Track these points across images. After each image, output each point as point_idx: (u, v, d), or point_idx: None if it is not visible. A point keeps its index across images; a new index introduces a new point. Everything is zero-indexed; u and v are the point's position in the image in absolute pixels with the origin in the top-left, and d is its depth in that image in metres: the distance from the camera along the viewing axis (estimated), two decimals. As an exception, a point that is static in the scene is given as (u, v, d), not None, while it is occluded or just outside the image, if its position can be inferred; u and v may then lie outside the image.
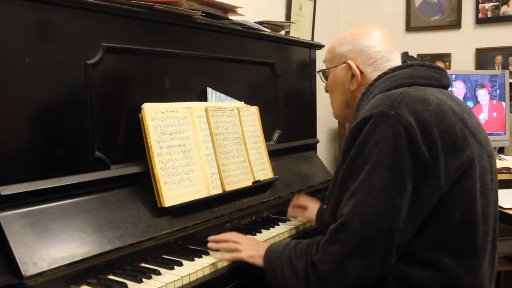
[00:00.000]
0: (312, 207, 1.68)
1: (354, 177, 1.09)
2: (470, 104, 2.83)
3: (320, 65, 2.24)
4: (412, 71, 1.20)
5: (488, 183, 1.12)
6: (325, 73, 1.43)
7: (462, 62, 3.39)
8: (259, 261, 1.27)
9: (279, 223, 1.67)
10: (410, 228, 1.05)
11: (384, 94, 1.14)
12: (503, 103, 2.83)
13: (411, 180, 1.03)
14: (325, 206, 1.65)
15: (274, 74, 2.10)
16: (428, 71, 1.20)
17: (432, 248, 1.07)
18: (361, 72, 1.28)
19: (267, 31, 2.03)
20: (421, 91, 1.12)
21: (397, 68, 1.23)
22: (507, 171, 2.43)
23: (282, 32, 2.23)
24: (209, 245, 1.34)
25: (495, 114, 2.84)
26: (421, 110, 1.06)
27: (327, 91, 1.44)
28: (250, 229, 1.56)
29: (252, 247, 1.32)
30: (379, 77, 1.23)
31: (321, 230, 1.60)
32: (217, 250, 1.34)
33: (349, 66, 1.29)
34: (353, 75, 1.29)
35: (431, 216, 1.06)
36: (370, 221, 1.03)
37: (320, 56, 2.41)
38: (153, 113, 1.43)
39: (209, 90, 1.73)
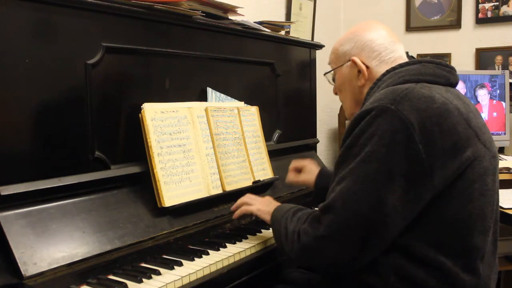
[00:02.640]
0: (309, 169, 1.69)
1: (345, 165, 1.11)
2: (470, 104, 2.83)
3: (320, 65, 2.24)
4: (420, 68, 1.19)
5: (488, 184, 1.12)
6: (331, 75, 1.43)
7: (462, 62, 3.39)
8: (265, 216, 1.38)
9: (279, 223, 1.67)
10: (399, 223, 1.06)
11: (389, 88, 1.14)
12: (503, 103, 2.83)
13: (402, 176, 1.03)
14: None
15: (274, 74, 2.09)
16: (437, 68, 1.20)
17: (428, 246, 1.07)
18: (367, 67, 1.28)
19: (267, 31, 2.03)
20: (428, 89, 1.12)
21: (406, 63, 1.23)
22: (507, 171, 2.42)
23: (282, 32, 2.23)
24: (234, 216, 1.48)
25: (495, 114, 2.84)
26: (424, 108, 1.06)
27: (336, 93, 1.44)
28: (250, 228, 1.56)
29: (263, 202, 1.44)
30: (387, 72, 1.23)
31: (316, 195, 1.62)
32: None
33: (354, 62, 1.29)
34: (359, 71, 1.29)
35: (425, 214, 1.06)
36: (351, 207, 1.06)
37: (320, 56, 2.41)
38: (153, 113, 1.43)
39: (209, 90, 1.73)
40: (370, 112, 1.08)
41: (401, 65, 1.23)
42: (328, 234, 1.09)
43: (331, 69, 1.41)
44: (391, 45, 1.29)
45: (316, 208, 1.22)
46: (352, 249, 1.08)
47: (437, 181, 1.04)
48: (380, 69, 1.26)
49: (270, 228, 1.58)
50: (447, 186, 1.06)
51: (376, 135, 1.06)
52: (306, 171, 1.69)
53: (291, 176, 1.71)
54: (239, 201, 1.49)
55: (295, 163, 1.73)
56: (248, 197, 1.49)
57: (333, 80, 1.42)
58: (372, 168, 1.05)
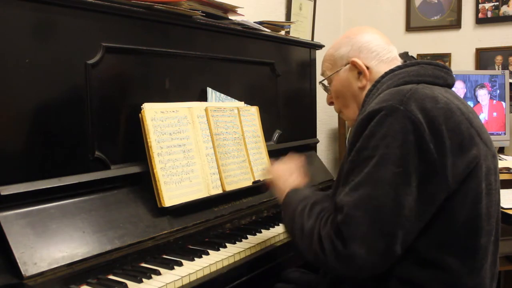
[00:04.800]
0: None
1: (359, 169, 1.07)
2: (470, 104, 2.83)
3: (319, 65, 2.24)
4: (419, 69, 1.19)
5: (492, 183, 1.12)
6: (326, 85, 1.41)
7: (462, 62, 3.39)
8: (278, 195, 1.33)
9: (279, 223, 1.67)
10: (416, 225, 1.04)
11: (393, 89, 1.13)
12: (503, 103, 2.83)
13: (416, 177, 1.03)
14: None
15: (274, 74, 2.09)
16: (435, 69, 1.20)
17: (437, 247, 1.06)
18: (367, 67, 1.28)
19: (267, 31, 2.03)
20: (429, 89, 1.12)
21: (404, 65, 1.23)
22: (507, 171, 2.43)
23: (282, 32, 2.23)
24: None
25: (495, 114, 2.84)
26: (430, 108, 1.06)
27: (330, 104, 1.41)
28: (250, 229, 1.56)
29: (281, 176, 1.36)
30: (386, 73, 1.22)
31: None
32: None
33: (354, 64, 1.28)
34: (359, 73, 1.29)
35: (437, 215, 1.06)
36: (374, 215, 1.02)
37: (320, 56, 2.41)
38: (153, 113, 1.43)
39: (209, 90, 1.73)
40: (379, 112, 1.06)
41: (399, 67, 1.22)
42: (354, 250, 1.03)
43: (325, 77, 1.38)
44: (387, 45, 1.29)
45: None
46: (375, 259, 1.04)
47: (450, 180, 1.03)
48: (380, 69, 1.26)
49: (271, 230, 1.59)
50: (459, 185, 1.05)
51: (388, 135, 1.04)
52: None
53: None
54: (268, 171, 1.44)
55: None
56: (273, 168, 1.41)
57: (327, 89, 1.40)
58: (389, 170, 1.02)
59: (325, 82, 1.40)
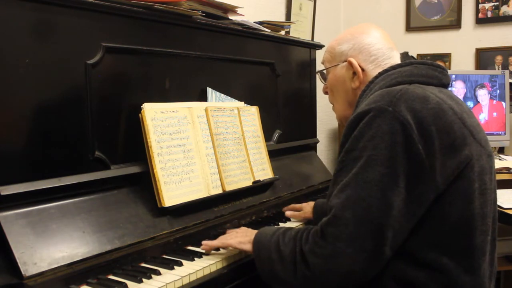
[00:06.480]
0: (307, 206, 1.73)
1: (347, 170, 1.09)
2: (470, 104, 2.83)
3: (319, 65, 2.24)
4: (413, 69, 1.20)
5: (487, 183, 1.12)
6: (323, 74, 1.43)
7: (462, 62, 3.40)
8: (248, 247, 1.27)
9: (279, 223, 1.67)
10: (405, 226, 1.05)
11: (384, 90, 1.14)
12: (503, 103, 2.83)
13: (405, 177, 1.03)
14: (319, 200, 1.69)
15: (274, 74, 2.09)
16: (429, 69, 1.20)
17: (431, 248, 1.07)
18: (363, 70, 1.28)
19: (267, 31, 2.03)
20: (421, 89, 1.12)
21: (398, 65, 1.23)
22: (507, 171, 2.43)
23: (282, 32, 2.23)
24: (202, 247, 1.35)
25: (495, 114, 2.84)
26: (420, 108, 1.06)
27: (325, 93, 1.44)
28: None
29: (241, 233, 1.35)
30: (379, 74, 1.23)
31: (317, 222, 1.62)
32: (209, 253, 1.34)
33: (350, 64, 1.29)
34: (354, 73, 1.29)
35: (428, 215, 1.06)
36: (361, 215, 1.03)
37: (320, 56, 2.41)
38: (153, 113, 1.43)
39: (209, 90, 1.73)
40: (368, 114, 1.08)
41: (393, 67, 1.23)
42: (337, 247, 1.04)
43: (324, 67, 1.41)
44: (389, 51, 1.29)
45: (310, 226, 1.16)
46: (364, 259, 1.04)
47: (439, 180, 1.04)
48: (375, 73, 1.26)
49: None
50: (448, 186, 1.05)
51: (376, 137, 1.05)
52: (305, 208, 1.73)
53: (295, 215, 1.71)
54: (219, 238, 1.38)
55: (293, 206, 1.78)
56: (228, 233, 1.40)
57: (325, 79, 1.42)
58: (377, 171, 1.03)
59: (323, 72, 1.42)
